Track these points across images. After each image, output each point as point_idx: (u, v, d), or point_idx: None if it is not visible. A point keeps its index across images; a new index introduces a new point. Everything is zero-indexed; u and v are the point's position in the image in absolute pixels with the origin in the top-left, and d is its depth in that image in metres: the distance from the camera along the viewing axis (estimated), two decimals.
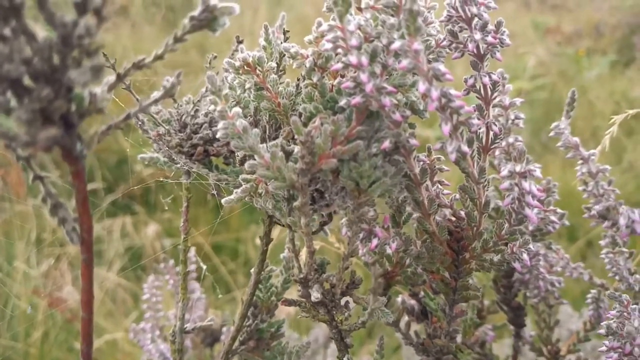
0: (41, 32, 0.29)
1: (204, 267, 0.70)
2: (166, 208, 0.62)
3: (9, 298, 1.73)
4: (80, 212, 0.33)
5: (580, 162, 0.69)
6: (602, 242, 0.72)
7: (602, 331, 0.51)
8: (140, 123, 0.61)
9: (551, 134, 0.68)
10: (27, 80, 0.29)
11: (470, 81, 0.49)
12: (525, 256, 0.48)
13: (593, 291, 0.74)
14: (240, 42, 0.61)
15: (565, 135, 0.67)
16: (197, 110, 0.62)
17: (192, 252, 0.92)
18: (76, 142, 0.31)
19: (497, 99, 0.53)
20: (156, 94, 0.35)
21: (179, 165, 0.63)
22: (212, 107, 0.43)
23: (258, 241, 1.83)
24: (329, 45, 0.41)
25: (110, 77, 0.33)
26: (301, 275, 0.46)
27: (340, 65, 0.41)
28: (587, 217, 0.73)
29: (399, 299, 0.75)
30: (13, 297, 1.75)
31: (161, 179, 0.60)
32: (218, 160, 0.65)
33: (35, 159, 0.31)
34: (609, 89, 3.58)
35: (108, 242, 2.22)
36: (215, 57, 0.62)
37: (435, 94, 0.38)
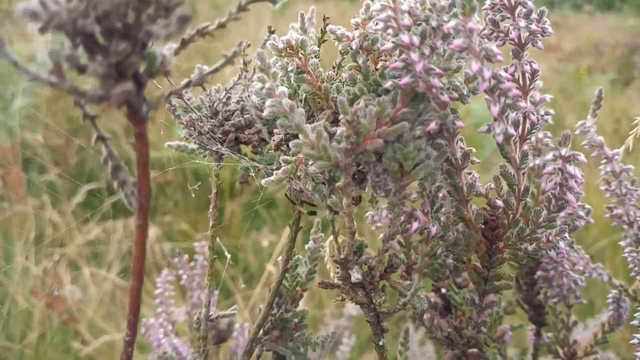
0: None
1: (229, 255, 0.69)
2: (193, 195, 0.62)
3: (5, 298, 1.72)
4: (140, 176, 0.33)
5: (604, 161, 0.70)
6: (622, 243, 0.73)
7: (636, 322, 0.51)
8: (172, 108, 0.61)
9: (577, 132, 0.68)
10: (100, 39, 0.29)
11: (511, 70, 0.49)
12: (562, 244, 0.48)
13: (614, 291, 0.74)
14: (272, 32, 0.61)
15: (590, 134, 0.67)
16: (228, 98, 0.63)
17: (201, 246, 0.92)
18: (143, 102, 0.31)
19: (529, 94, 0.54)
20: (216, 64, 0.36)
21: (208, 152, 0.63)
22: (258, 85, 0.43)
23: (265, 243, 1.82)
24: (380, 25, 0.41)
25: (173, 44, 0.34)
26: (342, 256, 0.46)
27: (390, 45, 0.41)
28: (609, 217, 0.74)
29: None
30: (10, 296, 1.73)
31: (197, 161, 0.60)
32: (246, 149, 0.66)
33: (100, 118, 0.31)
34: (610, 107, 3.62)
35: (108, 243, 2.21)
36: (249, 45, 0.62)
37: (487, 74, 0.38)
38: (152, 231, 2.33)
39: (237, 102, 0.62)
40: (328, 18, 0.53)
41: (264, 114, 0.43)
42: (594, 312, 1.81)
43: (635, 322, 0.52)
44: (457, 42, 0.38)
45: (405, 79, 0.42)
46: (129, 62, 0.28)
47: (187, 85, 0.34)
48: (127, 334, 0.39)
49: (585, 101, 3.62)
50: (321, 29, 0.52)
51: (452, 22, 0.38)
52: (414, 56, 0.40)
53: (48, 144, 2.64)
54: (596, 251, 2.39)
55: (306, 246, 0.67)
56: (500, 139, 0.42)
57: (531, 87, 0.51)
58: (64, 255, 1.97)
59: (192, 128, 0.61)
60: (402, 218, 0.47)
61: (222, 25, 0.34)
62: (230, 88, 0.63)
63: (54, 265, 1.82)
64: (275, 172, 0.48)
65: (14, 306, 1.70)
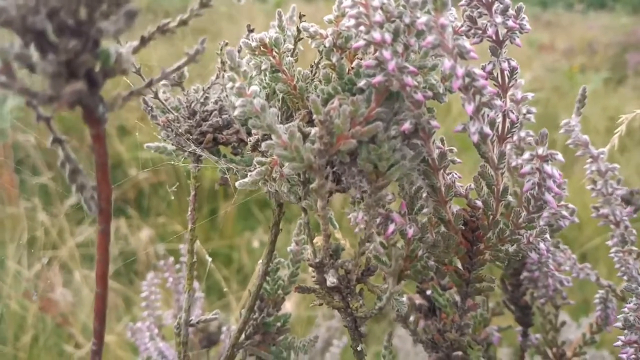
0: None
1: (210, 259, 0.68)
2: (172, 197, 0.61)
3: None
4: (99, 179, 0.32)
5: (589, 160, 0.69)
6: (609, 242, 0.72)
7: (619, 324, 0.50)
8: (149, 109, 0.60)
9: (561, 131, 0.68)
10: (51, 36, 0.28)
11: (489, 67, 0.48)
12: (542, 245, 0.47)
13: (601, 291, 0.73)
14: (251, 31, 0.60)
15: (575, 133, 0.67)
16: (206, 98, 0.62)
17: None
18: (99, 102, 0.30)
19: (510, 92, 0.53)
20: (179, 62, 0.35)
21: (186, 153, 0.62)
22: (229, 84, 0.42)
23: (255, 244, 1.81)
24: (351, 22, 0.40)
25: (134, 42, 0.33)
26: (317, 260, 0.45)
27: (362, 42, 0.40)
28: (595, 216, 0.73)
29: (404, 298, 0.74)
30: (3, 299, 1.72)
31: (172, 162, 0.59)
32: (225, 151, 0.65)
33: (54, 120, 0.30)
34: (603, 105, 3.63)
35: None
36: (227, 43, 0.61)
37: (460, 71, 0.37)
38: (146, 232, 2.32)
39: (215, 102, 0.61)
40: (304, 16, 0.52)
41: (235, 113, 0.42)
42: (589, 310, 1.80)
43: (618, 324, 0.51)
44: (430, 38, 0.38)
45: (378, 78, 0.41)
46: (80, 60, 0.27)
47: (149, 84, 0.33)
48: (94, 342, 0.37)
49: None
50: (296, 27, 0.51)
51: (424, 18, 0.37)
52: (386, 54, 0.39)
53: (40, 145, 2.62)
54: (590, 250, 2.39)
55: (288, 248, 0.66)
56: (475, 138, 0.41)
57: (510, 84, 0.50)
58: (57, 257, 1.95)
59: (169, 129, 0.60)
60: (379, 220, 0.46)
61: (183, 22, 0.33)
62: (208, 88, 0.62)
63: (46, 267, 1.80)
64: (249, 173, 0.47)
65: (7, 309, 1.68)
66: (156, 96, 0.59)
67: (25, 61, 0.27)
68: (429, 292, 0.69)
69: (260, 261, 0.61)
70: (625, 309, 0.52)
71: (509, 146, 0.65)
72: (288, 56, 0.49)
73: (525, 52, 4.31)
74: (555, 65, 4.20)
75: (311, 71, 0.51)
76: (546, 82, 3.85)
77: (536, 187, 0.44)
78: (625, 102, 3.62)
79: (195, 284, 1.02)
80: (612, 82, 4.03)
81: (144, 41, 0.32)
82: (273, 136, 0.43)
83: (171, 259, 0.98)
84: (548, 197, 0.43)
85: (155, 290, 1.02)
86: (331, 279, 0.44)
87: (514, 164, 0.52)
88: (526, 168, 0.43)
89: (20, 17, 0.27)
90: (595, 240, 2.38)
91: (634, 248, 0.68)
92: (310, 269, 0.55)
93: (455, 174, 0.52)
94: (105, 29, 0.26)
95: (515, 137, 0.54)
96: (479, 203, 0.50)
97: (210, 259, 0.67)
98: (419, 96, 0.41)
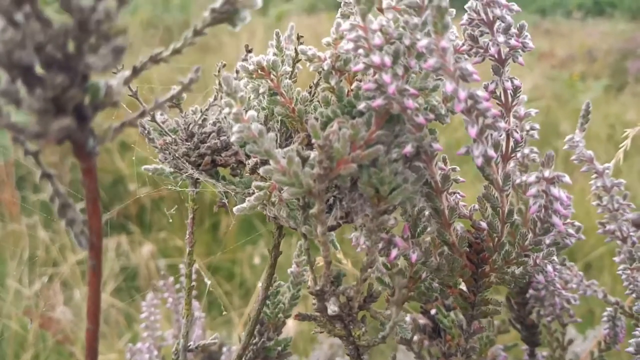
0: (55, 17, 0.27)
1: (209, 282, 0.67)
2: (170, 220, 0.60)
3: None
4: (90, 214, 0.31)
5: (594, 176, 0.68)
6: (616, 259, 0.70)
7: (631, 349, 0.49)
8: (146, 132, 0.59)
9: (565, 147, 0.66)
10: (39, 70, 0.27)
11: (491, 86, 0.47)
12: (549, 267, 0.46)
13: (609, 309, 0.71)
14: (249, 52, 0.60)
15: (580, 148, 0.65)
16: (204, 120, 0.61)
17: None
18: (89, 136, 0.29)
19: (512, 110, 0.52)
20: (173, 91, 0.34)
21: (184, 176, 0.61)
22: (226, 109, 0.41)
23: (256, 260, 1.79)
24: (350, 45, 0.39)
25: (126, 72, 0.32)
26: (317, 288, 0.43)
27: (361, 65, 0.39)
28: (601, 232, 0.71)
29: (408, 318, 0.73)
30: (3, 317, 1.70)
31: (169, 187, 0.58)
32: (225, 172, 0.64)
33: (43, 155, 0.29)
34: (604, 113, 3.62)
35: (102, 261, 2.17)
36: (225, 65, 0.60)
37: (462, 94, 0.36)
38: (147, 247, 2.30)
39: (214, 124, 0.60)
40: (302, 37, 0.51)
41: (232, 139, 0.41)
42: (594, 322, 1.78)
43: (630, 349, 0.49)
44: (430, 62, 0.37)
45: (378, 101, 0.40)
46: (68, 95, 0.26)
47: (142, 114, 0.32)
48: None
49: (579, 107, 3.62)
50: (295, 49, 0.50)
51: (424, 41, 0.36)
52: (386, 77, 0.38)
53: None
54: (595, 259, 2.37)
55: (288, 270, 0.65)
56: (479, 161, 0.40)
57: (514, 103, 0.49)
58: (58, 274, 1.94)
59: (167, 152, 0.59)
60: (381, 245, 0.45)
61: (177, 51, 0.32)
62: (206, 109, 0.61)
63: (47, 285, 1.79)
64: (247, 199, 0.46)
65: (7, 327, 1.67)
66: (153, 119, 0.58)
67: (12, 97, 0.26)
68: (433, 312, 0.68)
69: (260, 284, 0.60)
70: (637, 332, 0.50)
71: (512, 163, 0.63)
72: (286, 79, 0.48)
73: (525, 60, 4.31)
74: (555, 73, 4.20)
75: (310, 93, 0.50)
76: (546, 90, 3.85)
77: (542, 210, 0.43)
78: (626, 109, 3.61)
79: (195, 304, 1.00)
80: (612, 89, 4.02)
81: (135, 71, 0.31)
82: (271, 161, 0.41)
83: (171, 278, 0.97)
84: (555, 219, 0.42)
85: (154, 311, 1.00)
86: (332, 307, 0.43)
87: (518, 181, 0.51)
88: (532, 191, 0.41)
89: (6, 52, 0.26)
90: (600, 249, 2.36)
91: None
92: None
93: (459, 193, 0.51)
94: (94, 64, 0.25)
95: (519, 155, 0.53)
96: (484, 225, 0.49)
97: (209, 283, 0.66)
98: (420, 119, 0.40)
